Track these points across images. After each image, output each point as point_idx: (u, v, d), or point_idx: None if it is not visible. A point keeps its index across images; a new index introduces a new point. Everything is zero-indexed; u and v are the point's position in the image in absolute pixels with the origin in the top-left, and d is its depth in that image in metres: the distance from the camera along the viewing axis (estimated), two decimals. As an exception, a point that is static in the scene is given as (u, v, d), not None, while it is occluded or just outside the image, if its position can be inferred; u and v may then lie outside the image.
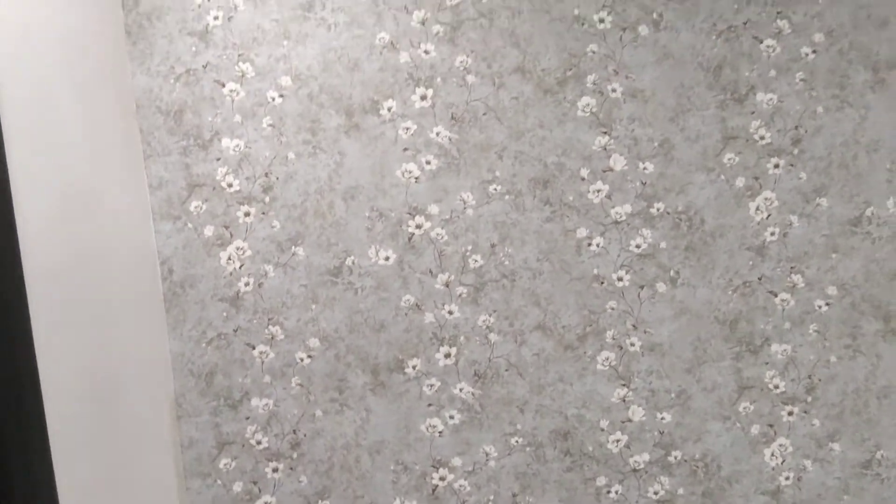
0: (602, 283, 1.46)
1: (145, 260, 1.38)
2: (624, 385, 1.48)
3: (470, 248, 1.43)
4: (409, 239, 1.43)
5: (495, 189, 1.43)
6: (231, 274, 1.43)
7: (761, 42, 1.46)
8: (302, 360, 1.45)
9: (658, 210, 1.46)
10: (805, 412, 1.51)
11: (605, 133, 1.44)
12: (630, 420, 1.49)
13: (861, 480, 1.54)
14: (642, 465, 1.50)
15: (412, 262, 1.43)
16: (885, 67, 1.48)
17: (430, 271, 1.43)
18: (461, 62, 1.40)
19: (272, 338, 1.45)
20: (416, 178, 1.42)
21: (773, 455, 1.52)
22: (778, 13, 1.46)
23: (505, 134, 1.42)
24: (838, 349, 1.50)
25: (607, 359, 1.47)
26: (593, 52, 1.43)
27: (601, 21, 1.42)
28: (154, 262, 1.42)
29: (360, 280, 1.43)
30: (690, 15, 1.44)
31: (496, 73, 1.41)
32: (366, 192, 1.42)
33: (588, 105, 1.43)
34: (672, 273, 1.47)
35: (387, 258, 1.43)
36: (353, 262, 1.43)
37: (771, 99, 1.46)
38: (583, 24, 1.42)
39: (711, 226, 1.47)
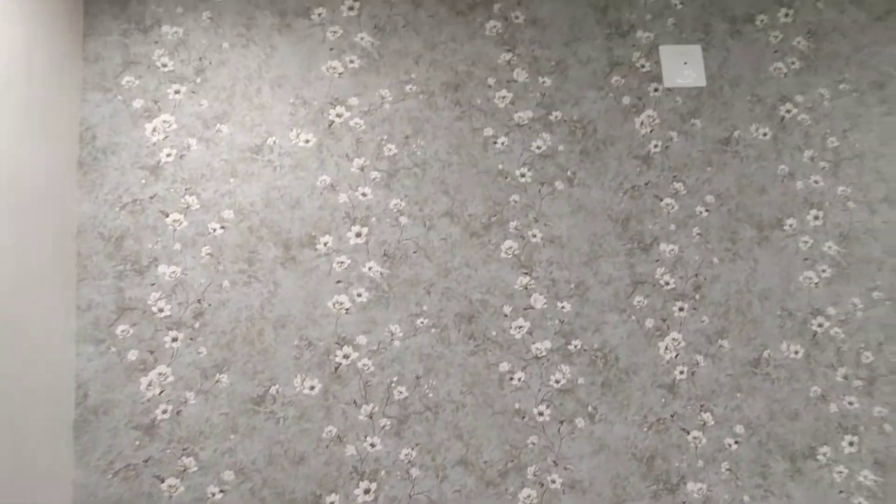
0: (524, 417, 1.43)
1: (61, 383, 1.30)
2: None
3: (395, 379, 1.41)
4: (336, 369, 1.40)
5: (422, 322, 1.44)
6: (149, 400, 1.35)
7: (661, 200, 1.59)
8: (213, 494, 1.34)
9: (576, 347, 1.48)
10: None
11: (527, 274, 1.50)
12: (552, 564, 1.40)
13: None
14: None
15: (337, 393, 1.39)
16: (768, 227, 1.63)
17: (355, 402, 1.39)
18: (395, 209, 1.47)
19: (184, 470, 1.34)
20: (347, 310, 1.42)
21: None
22: (674, 176, 1.61)
23: (433, 271, 1.46)
24: (750, 489, 1.49)
25: (529, 496, 1.41)
26: (515, 202, 1.52)
27: (522, 175, 1.54)
28: (70, 385, 1.33)
29: (283, 409, 1.37)
30: (600, 174, 1.58)
31: (427, 216, 1.48)
32: (296, 321, 1.40)
33: (511, 248, 1.50)
34: (590, 409, 1.46)
35: (312, 387, 1.38)
36: (278, 391, 1.37)
37: (672, 249, 1.57)
38: (506, 178, 1.53)
39: (625, 363, 1.50)
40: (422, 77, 1.54)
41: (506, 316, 1.47)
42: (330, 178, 1.46)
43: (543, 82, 1.59)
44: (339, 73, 1.50)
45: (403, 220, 1.47)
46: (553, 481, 1.42)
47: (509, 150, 1.54)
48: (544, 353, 1.47)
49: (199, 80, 1.46)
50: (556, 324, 1.49)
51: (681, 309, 1.54)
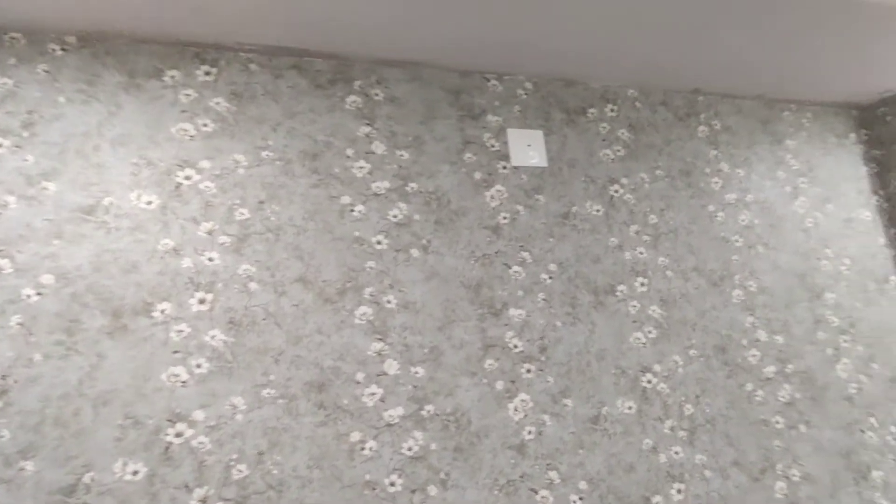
0: (374, 489, 1.35)
1: None
2: None
3: (235, 456, 1.27)
4: (166, 449, 1.24)
5: (269, 393, 1.33)
6: (-80, 502, 1.09)
7: (510, 268, 1.65)
8: None
9: (429, 412, 1.45)
10: None
11: (381, 339, 1.46)
12: None
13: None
14: None
15: (166, 476, 1.22)
16: (603, 292, 1.75)
17: (187, 486, 1.22)
18: (245, 274, 1.38)
19: (-41, 586, 1.08)
20: (184, 383, 1.28)
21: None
22: (521, 246, 1.69)
23: (283, 338, 1.37)
24: None
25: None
26: (371, 268, 1.50)
27: (378, 243, 1.53)
28: None
29: (98, 500, 1.17)
30: (453, 243, 1.61)
31: (279, 281, 1.41)
32: (122, 397, 1.23)
33: (365, 314, 1.46)
34: (443, 475, 1.42)
35: (135, 472, 1.20)
36: (93, 479, 1.18)
37: (520, 314, 1.62)
38: (362, 245, 1.51)
39: (477, 426, 1.48)
40: (279, 144, 1.50)
41: (358, 383, 1.40)
42: (173, 242, 1.34)
43: (401, 155, 1.62)
44: (191, 136, 1.42)
45: (253, 285, 1.38)
46: None
47: (366, 217, 1.53)
48: (397, 420, 1.41)
49: (25, 135, 1.30)
50: (410, 389, 1.45)
51: (528, 370, 1.58)
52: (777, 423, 1.84)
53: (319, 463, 1.32)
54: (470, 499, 1.42)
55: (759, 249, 2.03)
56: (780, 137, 2.24)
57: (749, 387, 1.84)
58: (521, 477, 1.48)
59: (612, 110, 1.95)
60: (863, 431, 1.97)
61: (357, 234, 1.51)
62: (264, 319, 1.37)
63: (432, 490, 1.39)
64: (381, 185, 1.57)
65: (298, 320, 1.40)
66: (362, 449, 1.36)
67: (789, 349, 1.95)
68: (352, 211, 1.52)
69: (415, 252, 1.55)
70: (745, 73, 2.01)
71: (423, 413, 1.44)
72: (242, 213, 1.42)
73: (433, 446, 1.43)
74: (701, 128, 2.09)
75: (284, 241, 1.44)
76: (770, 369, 1.89)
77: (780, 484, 1.78)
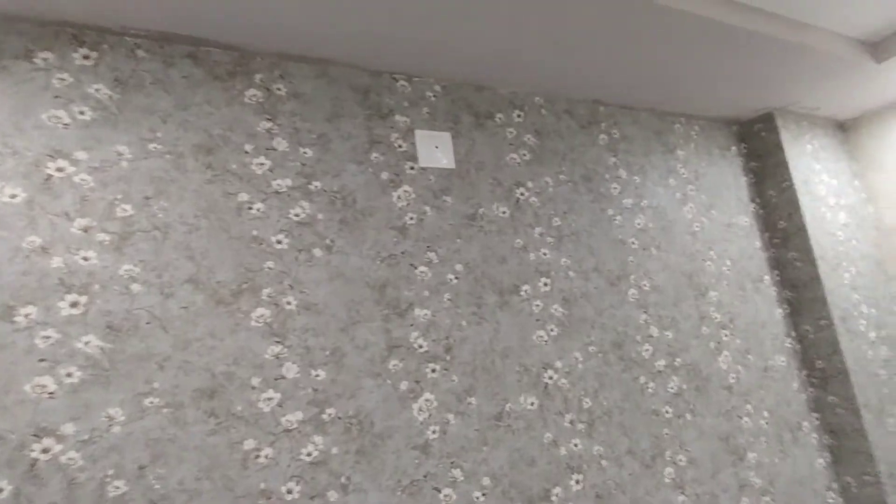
0: (269, 497, 1.28)
1: None
2: None
3: (111, 472, 1.16)
4: (32, 466, 1.10)
5: (152, 402, 1.23)
6: None
7: (416, 268, 1.64)
8: None
9: (330, 416, 1.40)
10: None
11: (279, 342, 1.39)
12: None
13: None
14: None
15: (32, 496, 1.09)
16: (508, 292, 1.77)
17: (52, 507, 1.10)
18: (126, 275, 1.27)
19: None
20: (51, 394, 1.15)
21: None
22: (428, 246, 1.68)
23: (170, 343, 1.27)
24: None
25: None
26: (270, 269, 1.43)
27: (279, 242, 1.46)
28: None
29: (-60, 531, 1.02)
30: (358, 243, 1.57)
31: (166, 283, 1.31)
32: (-26, 412, 1.09)
33: (262, 316, 1.39)
34: (343, 479, 1.37)
35: (-11, 496, 1.06)
36: (-66, 507, 1.03)
37: (426, 314, 1.61)
38: (261, 244, 1.44)
39: (380, 428, 1.45)
40: (169, 137, 1.39)
41: (254, 388, 1.33)
42: (41, 240, 1.21)
43: (304, 153, 1.56)
44: (65, 124, 1.29)
45: (136, 287, 1.27)
46: None
47: (265, 216, 1.46)
48: (296, 425, 1.35)
49: None
50: (310, 392, 1.39)
51: (433, 370, 1.57)
52: (667, 412, 1.96)
53: (209, 474, 1.24)
54: (372, 501, 1.39)
55: (652, 251, 2.15)
56: (672, 148, 2.39)
57: (642, 380, 1.94)
58: (425, 476, 1.47)
59: (518, 116, 1.99)
60: (740, 417, 2.13)
61: (255, 233, 1.43)
62: (148, 323, 1.26)
63: (332, 495, 1.35)
64: (282, 183, 1.50)
65: (188, 324, 1.30)
66: (257, 457, 1.29)
67: (677, 344, 2.08)
68: (250, 209, 1.44)
69: (318, 252, 1.50)
70: (639, 87, 2.12)
71: (324, 417, 1.39)
72: (125, 210, 1.30)
73: (334, 450, 1.38)
74: (602, 136, 2.18)
75: (173, 239, 1.34)
76: (661, 363, 2.01)
77: (669, 469, 1.89)
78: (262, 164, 1.49)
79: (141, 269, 1.29)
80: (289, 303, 1.43)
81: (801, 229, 2.46)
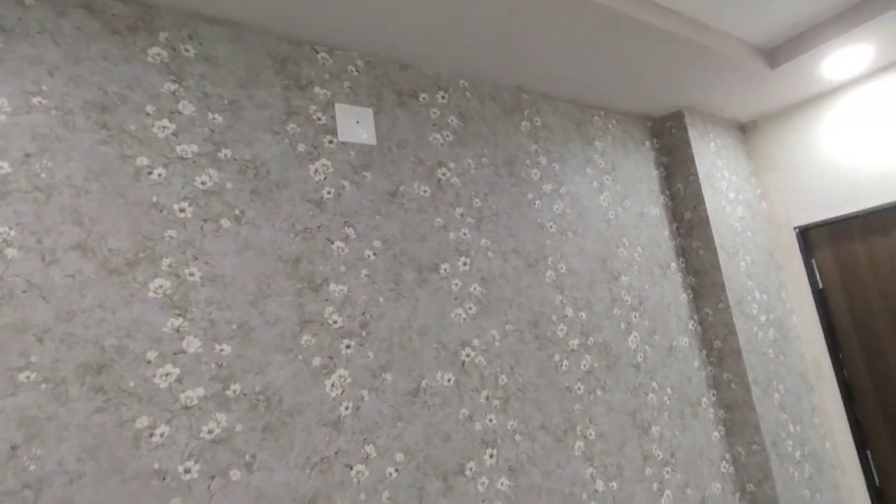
0: (164, 478, 1.19)
1: None
2: None
3: (-25, 454, 1.03)
4: None
5: (28, 377, 1.10)
6: None
7: (333, 243, 1.58)
8: None
9: (234, 392, 1.32)
10: None
11: (180, 315, 1.29)
12: None
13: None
14: None
15: None
16: (427, 270, 1.75)
17: None
18: (0, 239, 1.13)
19: None
20: None
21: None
22: (346, 222, 1.62)
23: (51, 314, 1.15)
24: None
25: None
26: (171, 238, 1.33)
27: (182, 210, 1.36)
28: None
29: None
30: (271, 215, 1.49)
31: (49, 248, 1.18)
32: None
33: (162, 287, 1.28)
34: (248, 458, 1.30)
35: None
36: None
37: (342, 289, 1.56)
38: (161, 212, 1.33)
39: (289, 405, 1.39)
40: (57, 91, 1.26)
41: (149, 363, 1.23)
42: None
43: (214, 118, 1.46)
44: (-73, 68, 1.13)
45: (11, 252, 1.13)
46: None
47: (167, 182, 1.35)
48: (196, 402, 1.26)
49: None
50: (213, 368, 1.30)
51: (348, 346, 1.52)
52: (578, 388, 2.01)
53: (94, 454, 1.13)
54: (279, 479, 1.32)
55: (569, 235, 2.20)
56: (591, 139, 2.46)
57: (556, 357, 1.99)
58: (337, 453, 1.42)
59: (443, 97, 1.97)
60: (646, 394, 2.23)
61: (155, 199, 1.32)
62: (25, 292, 1.13)
63: (235, 474, 1.27)
64: (187, 149, 1.40)
65: (73, 293, 1.18)
66: (151, 435, 1.19)
67: (590, 323, 2.14)
68: (150, 174, 1.33)
69: (226, 222, 1.41)
70: (560, 77, 2.16)
71: (229, 393, 1.31)
72: (1, 167, 1.16)
73: (238, 428, 1.30)
74: (524, 123, 2.21)
75: (58, 202, 1.21)
76: (574, 342, 2.06)
77: (579, 443, 1.94)
78: (164, 127, 1.38)
79: (17, 232, 1.15)
80: (192, 274, 1.33)
81: (704, 220, 2.61)
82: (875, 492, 2.50)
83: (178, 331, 1.28)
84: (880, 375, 2.53)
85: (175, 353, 1.26)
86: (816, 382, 2.73)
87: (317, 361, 1.46)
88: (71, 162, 1.24)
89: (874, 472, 2.53)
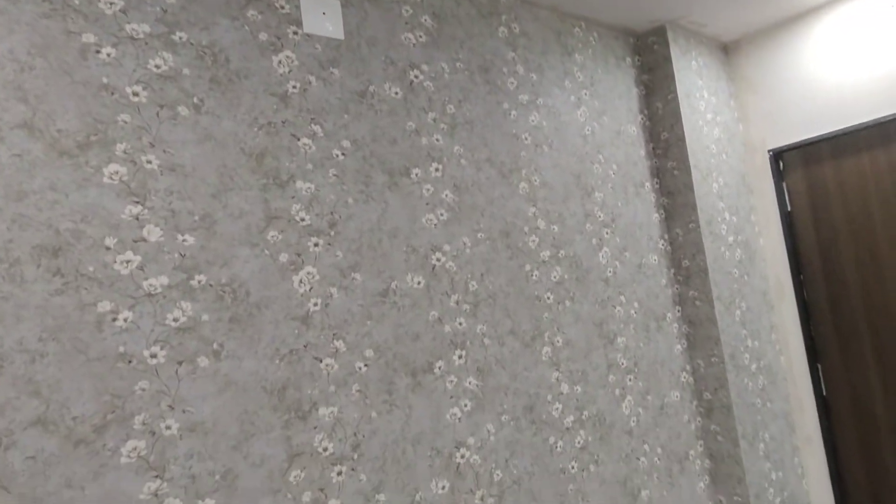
0: (130, 361, 1.20)
1: None
2: (157, 476, 1.20)
3: (-72, 329, 1.02)
4: None
5: (-21, 256, 1.07)
6: None
7: (299, 140, 1.53)
8: None
9: (199, 282, 1.31)
10: (353, 469, 1.47)
11: (138, 203, 1.26)
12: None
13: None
14: None
15: None
16: (398, 174, 1.73)
17: None
18: (-67, 105, 1.07)
19: None
20: None
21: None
22: (312, 119, 1.57)
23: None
24: (377, 405, 1.55)
25: (135, 448, 1.18)
26: (125, 122, 1.27)
27: (135, 94, 1.29)
28: None
29: None
30: (232, 106, 1.43)
31: (-9, 125, 1.12)
32: None
33: (117, 173, 1.24)
34: (215, 346, 1.31)
35: None
36: None
37: (309, 187, 1.53)
38: (112, 94, 1.26)
39: (256, 298, 1.39)
40: (-13, -47, 1.15)
41: (108, 249, 1.21)
42: None
43: (167, -2, 1.36)
44: None
45: (-51, 126, 1.08)
46: (168, 427, 1.22)
47: (118, 63, 1.28)
48: (160, 290, 1.25)
49: None
50: (177, 258, 1.29)
51: (315, 245, 1.51)
52: (548, 298, 2.06)
53: (56, 335, 1.12)
54: (248, 368, 1.35)
55: (544, 148, 2.18)
56: (570, 51, 2.39)
57: (527, 267, 2.02)
58: (306, 346, 1.45)
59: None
60: (613, 306, 2.30)
61: (105, 80, 1.25)
62: (-31, 168, 1.08)
63: (203, 361, 1.29)
64: (138, 28, 1.31)
65: (22, 173, 1.13)
66: (114, 320, 1.19)
67: (562, 237, 2.17)
68: (98, 52, 1.25)
69: (183, 110, 1.35)
70: (540, -23, 2.07)
71: (193, 283, 1.30)
72: (-70, 34, 1.08)
73: (204, 317, 1.30)
74: (501, 28, 2.13)
75: (1, 77, 1.13)
76: (545, 253, 2.09)
77: (546, 349, 2.01)
78: (112, 3, 1.29)
79: (-45, 105, 1.09)
80: (149, 162, 1.28)
81: (681, 140, 2.61)
82: (822, 401, 2.68)
83: (136, 218, 1.25)
84: (837, 296, 2.65)
85: (135, 241, 1.24)
86: (777, 302, 2.85)
87: (284, 258, 1.45)
88: (13, 35, 1.16)
89: (822, 384, 2.69)
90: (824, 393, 2.68)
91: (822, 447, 2.68)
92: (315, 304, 1.48)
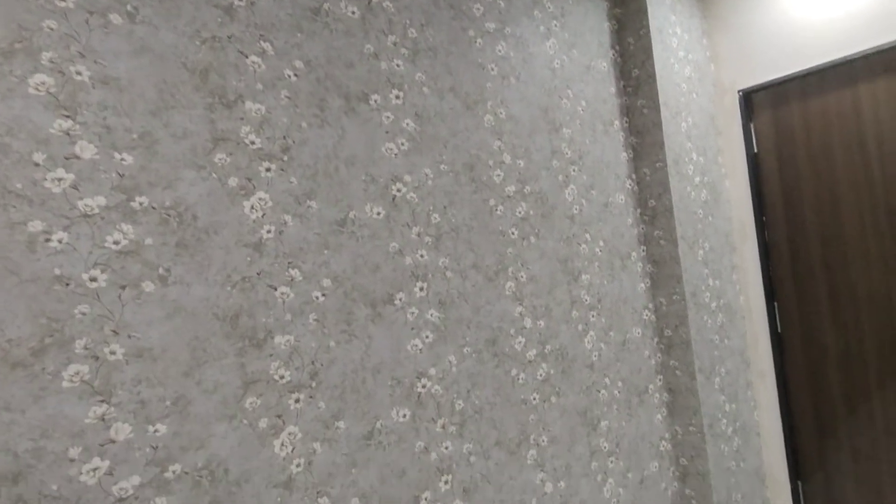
0: (68, 284, 1.15)
1: None
2: (103, 401, 1.17)
3: None
4: None
5: None
6: None
7: (247, 57, 1.45)
8: None
9: (141, 204, 1.25)
10: (311, 397, 1.48)
11: (68, 117, 1.18)
12: (112, 441, 1.18)
13: (366, 451, 1.58)
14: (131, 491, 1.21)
15: None
16: (355, 99, 1.66)
17: None
18: None
19: None
20: None
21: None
22: (261, 35, 1.48)
23: None
24: (336, 334, 1.54)
25: (77, 373, 1.15)
26: (51, 29, 1.17)
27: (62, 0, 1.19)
28: None
29: None
30: (171, 16, 1.33)
31: None
32: None
33: (44, 84, 1.15)
34: (161, 271, 1.27)
35: None
36: None
37: (259, 109, 1.46)
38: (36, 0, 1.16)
39: (205, 223, 1.34)
40: None
41: (37, 165, 1.13)
42: None
43: None
44: None
45: None
46: (113, 353, 1.19)
47: (37, -40, 1.16)
48: (97, 211, 1.19)
49: None
50: (114, 177, 1.22)
51: (267, 170, 1.46)
52: (512, 233, 2.05)
53: (-18, 254, 1.06)
54: (197, 294, 1.31)
55: (511, 80, 2.12)
56: (541, -22, 2.30)
57: (491, 202, 2.00)
58: (259, 274, 1.41)
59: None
60: (579, 244, 2.32)
61: (24, -21, 1.14)
62: None
63: (149, 286, 1.24)
64: (59, -78, 1.19)
65: (-68, 78, 1.04)
66: (47, 241, 1.13)
67: (528, 172, 2.14)
68: (12, -54, 1.14)
69: (116, 18, 1.25)
70: None
71: (134, 205, 1.24)
72: None
73: (148, 241, 1.25)
74: (467, -51, 2.02)
75: None
76: (511, 188, 2.07)
77: (510, 284, 2.02)
78: None
79: None
80: (79, 73, 1.19)
81: (651, 77, 2.57)
82: (776, 337, 2.79)
83: (67, 134, 1.17)
84: (796, 237, 2.72)
85: (67, 158, 1.17)
86: (739, 243, 2.91)
87: (233, 182, 1.39)
88: None
89: (778, 321, 2.80)
90: (779, 330, 2.79)
91: (774, 381, 2.82)
92: (268, 232, 1.44)
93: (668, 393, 2.67)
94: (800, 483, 2.75)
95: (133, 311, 1.22)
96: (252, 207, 1.41)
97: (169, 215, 1.29)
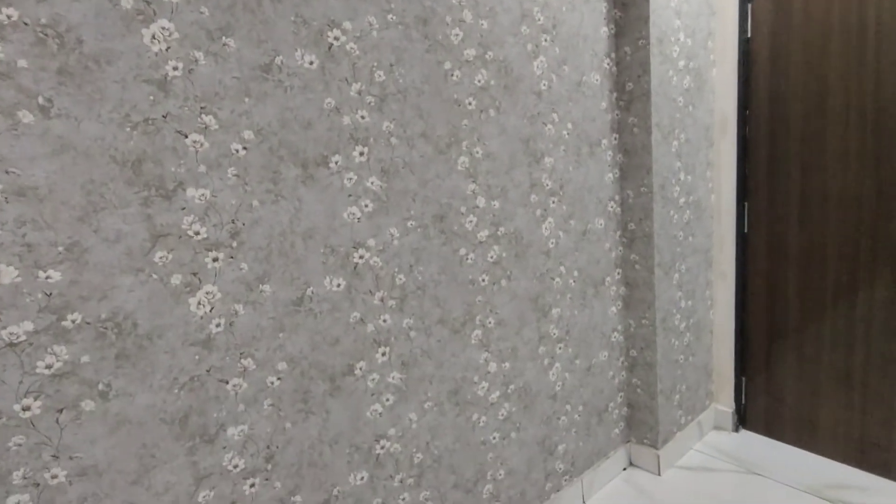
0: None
1: None
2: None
3: None
4: None
5: None
6: None
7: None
8: None
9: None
10: (231, 257, 1.95)
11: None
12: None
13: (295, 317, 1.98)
14: None
15: None
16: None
17: None
18: None
19: None
20: None
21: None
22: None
23: None
24: (260, 193, 1.93)
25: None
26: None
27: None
28: None
29: None
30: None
31: None
32: None
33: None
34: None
35: None
36: None
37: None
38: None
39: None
40: None
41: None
42: None
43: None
44: None
45: None
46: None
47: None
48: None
49: None
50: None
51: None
52: (469, 103, 2.37)
53: None
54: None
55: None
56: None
57: (447, 65, 2.28)
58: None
59: None
60: (545, 124, 2.76)
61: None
62: None
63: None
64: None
65: None
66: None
67: (492, 36, 2.42)
68: None
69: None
70: None
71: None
72: None
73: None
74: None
75: None
76: (470, 52, 2.36)
77: (463, 158, 2.41)
78: None
79: None
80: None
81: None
82: (742, 238, 3.61)
83: None
84: (777, 132, 3.32)
85: None
86: (718, 137, 3.49)
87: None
88: None
89: (746, 222, 3.57)
90: (745, 230, 3.59)
91: (734, 282, 3.72)
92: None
93: (626, 287, 3.46)
94: (744, 379, 3.91)
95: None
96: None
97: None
